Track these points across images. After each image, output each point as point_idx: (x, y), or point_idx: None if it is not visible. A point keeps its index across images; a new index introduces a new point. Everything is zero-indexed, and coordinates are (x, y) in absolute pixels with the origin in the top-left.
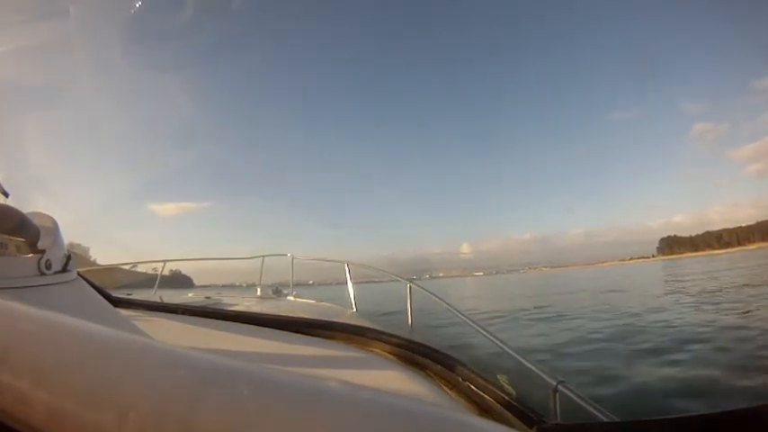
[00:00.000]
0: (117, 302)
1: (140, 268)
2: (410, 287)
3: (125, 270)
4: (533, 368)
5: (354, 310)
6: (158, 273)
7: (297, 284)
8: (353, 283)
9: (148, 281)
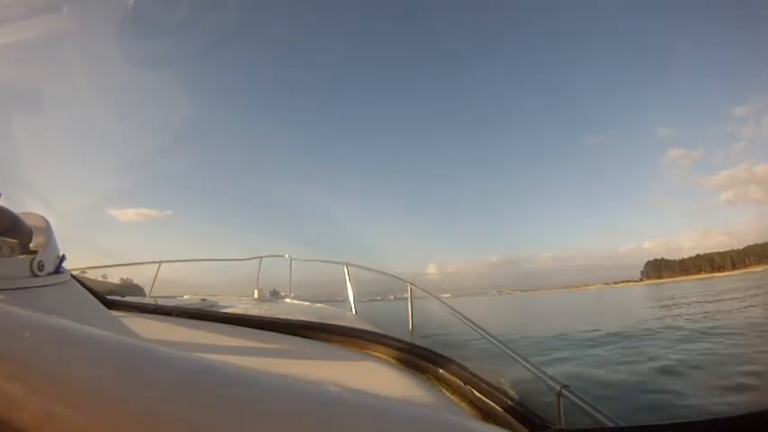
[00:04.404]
0: (111, 304)
1: (89, 274)
2: (411, 289)
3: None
4: (537, 372)
5: (354, 312)
6: (153, 276)
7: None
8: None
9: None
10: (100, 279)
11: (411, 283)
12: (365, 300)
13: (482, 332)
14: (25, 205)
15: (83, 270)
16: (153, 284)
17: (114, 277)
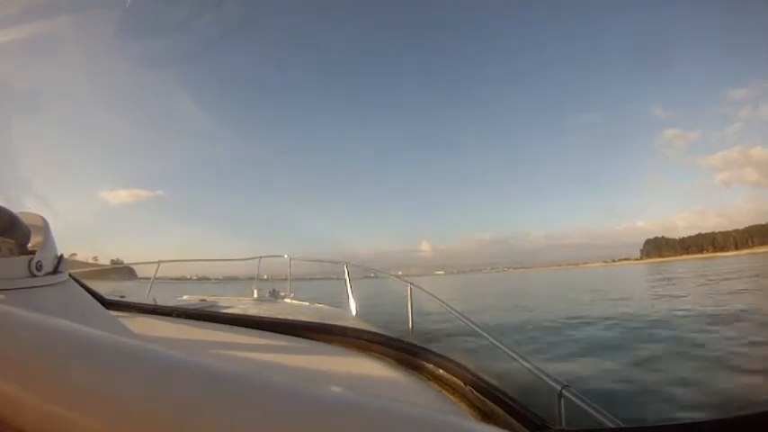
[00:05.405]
0: (109, 305)
1: (79, 257)
2: (411, 289)
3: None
4: (537, 372)
5: (354, 312)
6: (153, 274)
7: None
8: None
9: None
10: (91, 260)
11: (411, 283)
12: (360, 277)
13: (483, 332)
14: (23, 204)
15: (73, 254)
16: (151, 285)
17: (105, 259)
